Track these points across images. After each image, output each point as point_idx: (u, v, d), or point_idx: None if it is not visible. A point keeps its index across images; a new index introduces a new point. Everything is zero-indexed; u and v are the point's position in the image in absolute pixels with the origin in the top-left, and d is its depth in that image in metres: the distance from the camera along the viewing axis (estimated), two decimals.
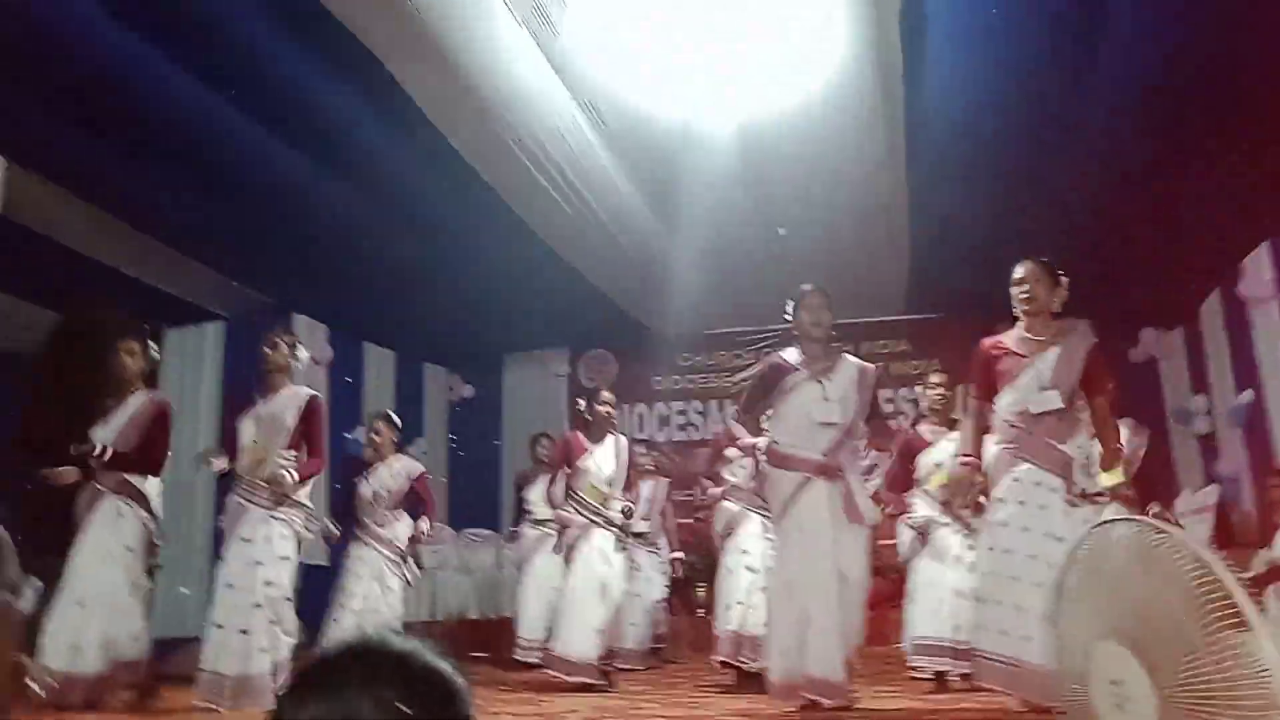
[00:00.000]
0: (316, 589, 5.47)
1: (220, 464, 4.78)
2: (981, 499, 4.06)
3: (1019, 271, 3.92)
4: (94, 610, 4.45)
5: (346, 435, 7.85)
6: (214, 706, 4.29)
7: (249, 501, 4.58)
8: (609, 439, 5.69)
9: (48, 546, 4.48)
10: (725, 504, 5.70)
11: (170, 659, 5.57)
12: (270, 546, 4.52)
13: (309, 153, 5.67)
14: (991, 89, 5.12)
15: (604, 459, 5.61)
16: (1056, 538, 3.50)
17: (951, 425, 5.12)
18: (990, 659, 3.59)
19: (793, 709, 4.04)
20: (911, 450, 5.29)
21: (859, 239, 7.27)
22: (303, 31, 4.63)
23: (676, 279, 7.91)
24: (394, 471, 5.78)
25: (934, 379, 5.52)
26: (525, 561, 6.96)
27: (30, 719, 3.63)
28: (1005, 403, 3.85)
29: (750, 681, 5.16)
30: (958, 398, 5.06)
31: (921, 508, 5.27)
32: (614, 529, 5.51)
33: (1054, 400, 3.70)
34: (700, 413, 9.90)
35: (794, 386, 4.31)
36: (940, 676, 4.97)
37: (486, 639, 8.19)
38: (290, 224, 6.45)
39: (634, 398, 9.79)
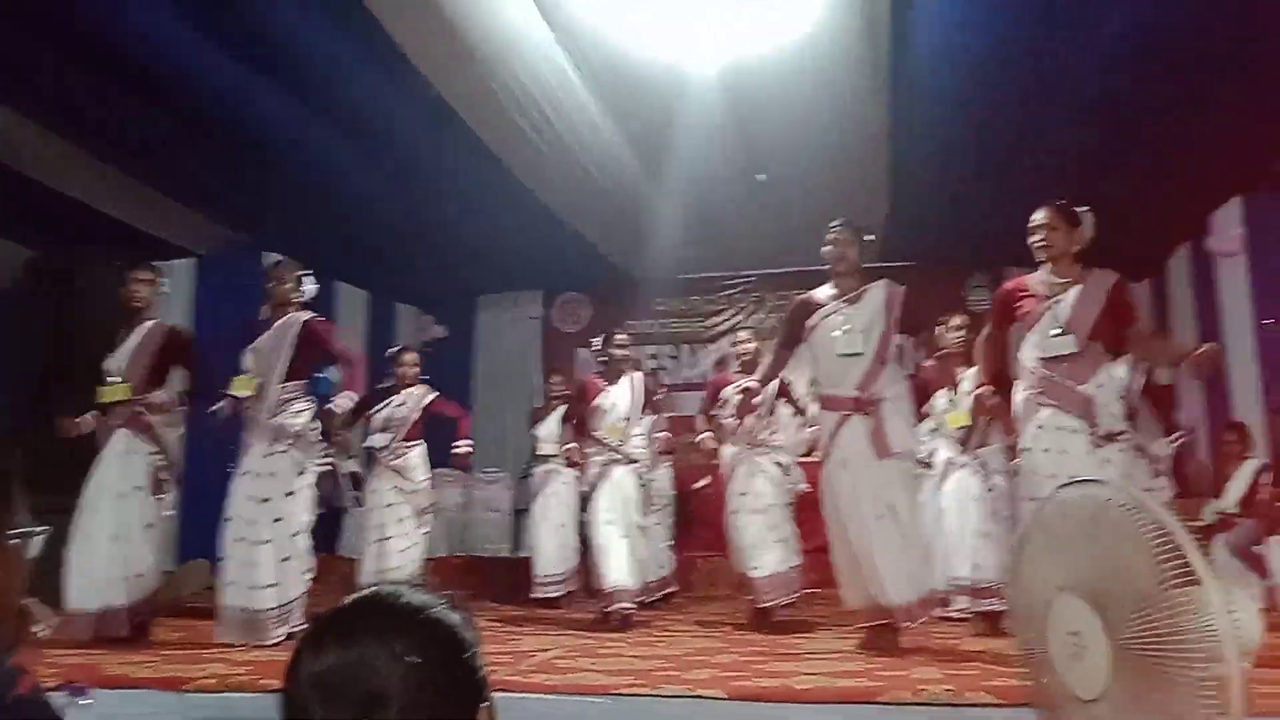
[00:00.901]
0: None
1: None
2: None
3: (1036, 218, 3.91)
4: (101, 548, 4.44)
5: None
6: (225, 640, 4.34)
7: (251, 435, 4.59)
8: (624, 378, 5.74)
9: (64, 484, 4.46)
10: (725, 447, 5.73)
11: None
12: (275, 481, 4.52)
13: (286, 91, 5.57)
14: (976, 37, 5.10)
15: (620, 396, 5.66)
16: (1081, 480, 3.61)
17: (970, 365, 5.12)
18: None
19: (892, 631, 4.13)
20: (923, 388, 5.28)
21: (837, 186, 7.26)
22: None
23: (654, 223, 7.89)
24: (403, 399, 5.90)
25: (955, 321, 5.49)
26: (536, 497, 6.95)
27: (36, 656, 3.64)
28: (1027, 349, 3.90)
29: (762, 618, 5.34)
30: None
31: (941, 449, 5.33)
32: (634, 463, 5.59)
33: (1068, 344, 3.75)
34: (673, 356, 9.96)
35: (821, 320, 4.32)
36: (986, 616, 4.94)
37: (454, 578, 8.32)
38: (265, 162, 6.35)
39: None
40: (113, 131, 5.86)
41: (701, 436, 5.77)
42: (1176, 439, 6.00)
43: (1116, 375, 3.86)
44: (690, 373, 9.81)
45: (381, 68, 5.40)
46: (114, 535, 4.50)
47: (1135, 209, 7.06)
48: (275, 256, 7.70)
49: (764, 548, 5.42)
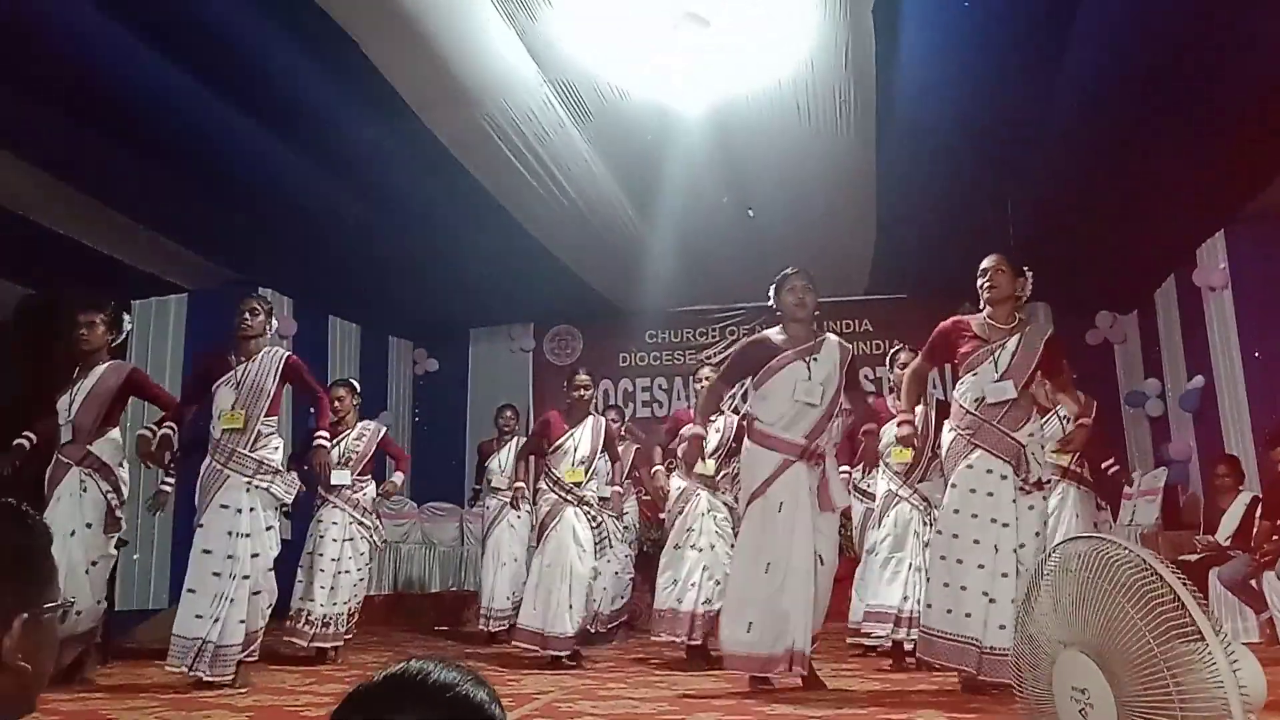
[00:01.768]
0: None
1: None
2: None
3: (986, 263, 4.18)
4: None
5: (311, 410, 7.81)
6: (183, 671, 4.29)
7: (226, 468, 4.53)
8: (588, 420, 5.75)
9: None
10: (674, 480, 5.69)
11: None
12: (255, 516, 4.51)
13: (278, 129, 5.59)
14: (960, 77, 5.17)
15: (582, 439, 5.66)
16: (1003, 523, 3.83)
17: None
18: (935, 635, 3.88)
19: (766, 682, 4.16)
20: (872, 422, 5.34)
21: (826, 220, 7.32)
22: (275, 10, 4.55)
23: (645, 257, 7.93)
24: (358, 434, 5.96)
25: (902, 358, 5.54)
26: (487, 531, 6.97)
27: None
28: (962, 389, 4.09)
29: (698, 657, 5.32)
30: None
31: (883, 482, 5.38)
32: (586, 507, 5.59)
33: (1008, 390, 3.95)
34: (665, 389, 9.95)
35: (780, 366, 4.34)
36: (897, 646, 5.11)
37: (450, 612, 8.26)
38: (257, 198, 6.37)
39: (599, 373, 9.80)
40: (106, 170, 5.85)
41: (655, 470, 5.76)
42: (1109, 467, 6.12)
43: (1048, 427, 4.05)
44: (680, 405, 9.81)
45: (374, 106, 5.43)
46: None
47: (1119, 241, 7.14)
48: (279, 295, 7.77)
49: (702, 587, 5.37)
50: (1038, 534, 3.92)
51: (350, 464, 5.86)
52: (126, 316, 5.12)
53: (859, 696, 4.13)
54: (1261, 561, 5.46)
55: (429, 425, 10.20)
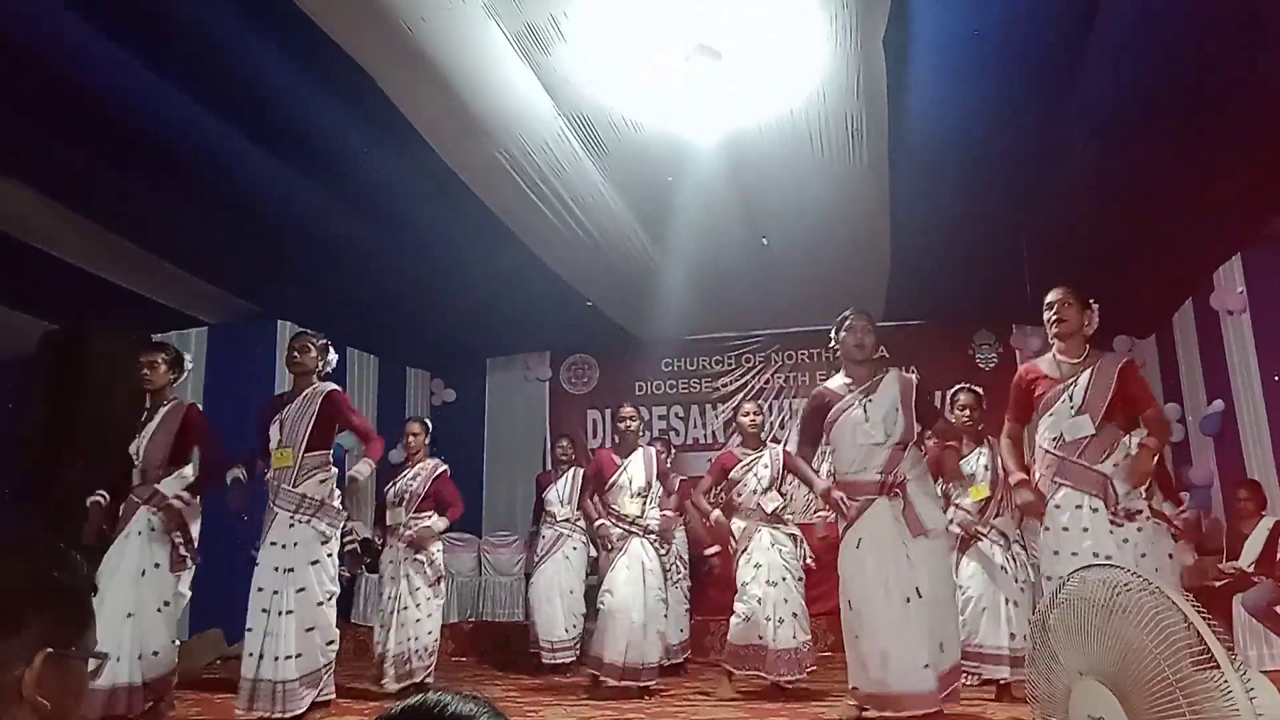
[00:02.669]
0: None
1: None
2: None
3: (1052, 296, 4.03)
4: (114, 626, 4.39)
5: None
6: (248, 712, 4.31)
7: (275, 504, 4.60)
8: (637, 452, 5.83)
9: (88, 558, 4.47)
10: (735, 520, 5.71)
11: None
12: (301, 551, 4.50)
13: (297, 163, 5.66)
14: (973, 105, 5.19)
15: (635, 472, 5.75)
16: (1105, 556, 3.58)
17: (979, 440, 5.35)
18: None
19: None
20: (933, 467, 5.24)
21: (840, 248, 7.34)
22: (292, 44, 4.63)
23: (660, 286, 7.96)
24: (415, 473, 5.97)
25: (961, 399, 5.51)
26: (540, 562, 6.93)
27: None
28: (1042, 430, 3.97)
29: (770, 691, 5.33)
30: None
31: (956, 519, 5.28)
32: (651, 536, 5.63)
33: (1085, 426, 3.81)
34: (681, 418, 9.95)
35: (840, 414, 4.35)
36: (1001, 684, 4.99)
37: (468, 643, 8.25)
38: (276, 232, 6.45)
39: (615, 402, 9.81)
40: (125, 204, 5.95)
41: (714, 515, 5.77)
42: (1183, 510, 5.90)
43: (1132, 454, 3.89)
44: (698, 433, 9.82)
45: (391, 140, 5.50)
46: (130, 613, 4.49)
47: (1136, 266, 7.11)
48: (296, 328, 7.84)
49: (776, 623, 5.38)
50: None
51: (404, 503, 5.86)
52: (187, 356, 5.15)
53: None
54: None
55: (446, 455, 10.17)
